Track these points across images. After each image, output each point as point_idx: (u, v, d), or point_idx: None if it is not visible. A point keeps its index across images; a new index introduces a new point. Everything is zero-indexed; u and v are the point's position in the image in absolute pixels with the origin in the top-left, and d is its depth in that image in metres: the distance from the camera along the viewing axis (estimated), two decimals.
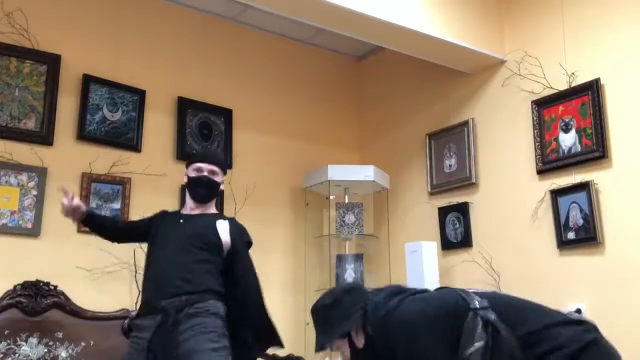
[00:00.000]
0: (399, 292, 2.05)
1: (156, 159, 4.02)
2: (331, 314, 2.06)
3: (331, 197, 4.54)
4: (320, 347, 2.10)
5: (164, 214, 3.08)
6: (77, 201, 2.88)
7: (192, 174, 2.97)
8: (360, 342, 2.02)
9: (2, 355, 3.26)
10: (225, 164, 3.12)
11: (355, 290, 2.12)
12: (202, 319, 2.69)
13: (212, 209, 3.06)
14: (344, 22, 3.73)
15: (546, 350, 1.81)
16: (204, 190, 2.95)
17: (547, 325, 1.86)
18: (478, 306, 1.87)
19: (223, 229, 2.92)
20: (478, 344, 1.80)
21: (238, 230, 3.00)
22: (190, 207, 3.00)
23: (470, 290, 1.99)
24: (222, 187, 3.06)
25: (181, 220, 2.94)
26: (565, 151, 3.65)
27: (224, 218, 3.06)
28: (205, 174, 2.94)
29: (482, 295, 1.95)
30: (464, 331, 1.84)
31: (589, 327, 1.91)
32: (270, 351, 4.08)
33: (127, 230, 3.16)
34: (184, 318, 2.68)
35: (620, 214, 3.38)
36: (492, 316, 1.84)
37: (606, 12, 3.59)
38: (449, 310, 1.89)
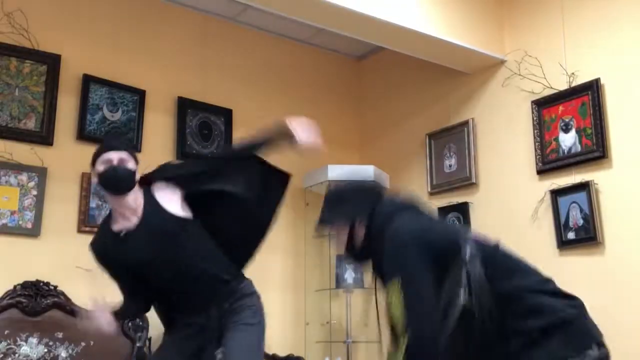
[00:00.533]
0: (408, 208, 2.07)
1: (156, 159, 3.96)
2: (344, 198, 2.17)
3: None
4: (322, 223, 2.20)
5: (99, 250, 2.60)
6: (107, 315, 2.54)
7: (102, 168, 2.49)
8: (360, 235, 2.07)
9: (2, 355, 3.26)
10: (134, 149, 2.74)
11: (373, 190, 2.25)
12: (239, 302, 2.59)
13: (138, 200, 2.53)
14: (344, 22, 3.73)
15: (523, 311, 1.79)
16: (118, 181, 2.48)
17: (534, 289, 1.84)
18: (467, 257, 1.82)
19: (168, 200, 2.55)
20: (461, 300, 1.78)
21: (179, 175, 2.63)
22: (121, 215, 2.52)
23: (474, 235, 1.97)
24: (137, 176, 2.55)
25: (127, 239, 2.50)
26: (565, 151, 3.65)
27: (153, 185, 2.59)
28: (116, 163, 2.48)
29: (480, 244, 1.91)
30: (449, 277, 1.82)
31: (575, 304, 1.88)
32: (270, 351, 4.09)
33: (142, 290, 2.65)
34: (226, 313, 2.58)
35: (620, 214, 3.38)
36: (476, 270, 1.80)
37: (606, 12, 3.59)
38: (440, 247, 1.87)
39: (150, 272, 2.54)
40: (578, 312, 1.86)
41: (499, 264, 1.89)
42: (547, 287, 1.89)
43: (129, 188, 2.50)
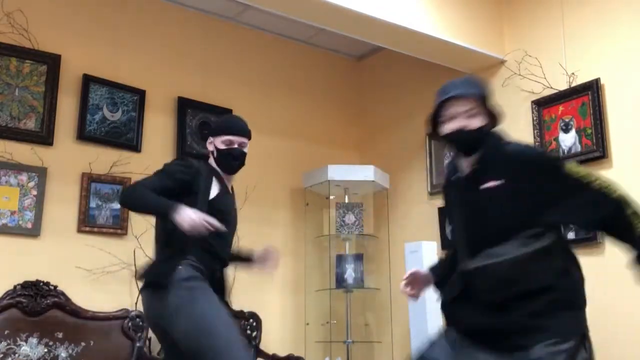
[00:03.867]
0: None
1: (156, 159, 3.99)
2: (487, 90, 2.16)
3: (331, 197, 4.54)
4: (461, 91, 2.11)
5: (206, 174, 2.80)
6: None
7: (222, 147, 2.82)
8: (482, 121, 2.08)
9: (2, 355, 3.26)
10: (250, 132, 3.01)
11: None
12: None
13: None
14: (344, 22, 3.73)
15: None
16: (237, 163, 2.84)
17: None
18: None
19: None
20: None
21: None
22: (226, 180, 2.88)
23: None
24: None
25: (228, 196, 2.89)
26: (565, 151, 3.65)
27: None
28: (236, 146, 2.82)
29: None
30: None
31: None
32: (270, 351, 4.09)
33: None
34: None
35: None
36: None
37: (606, 12, 3.60)
38: None
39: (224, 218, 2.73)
40: None
41: None
42: None
43: (239, 168, 2.90)
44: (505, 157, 2.05)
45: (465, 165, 2.12)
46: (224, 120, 2.99)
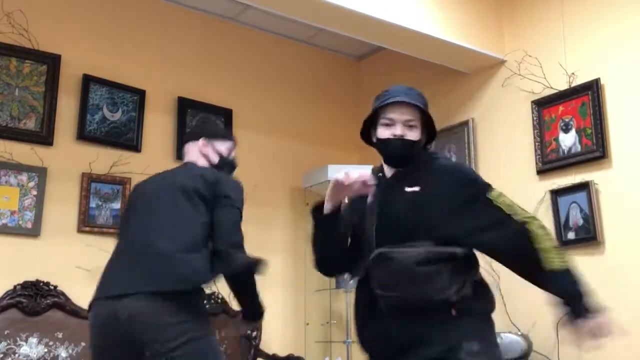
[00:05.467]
0: None
1: (156, 159, 4.02)
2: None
3: None
4: (408, 98, 2.05)
5: None
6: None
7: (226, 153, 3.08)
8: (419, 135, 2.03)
9: (2, 355, 3.26)
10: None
11: None
12: None
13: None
14: (344, 22, 3.73)
15: None
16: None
17: None
18: None
19: None
20: None
21: None
22: None
23: None
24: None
25: None
26: (565, 151, 3.65)
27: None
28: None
29: None
30: None
31: None
32: (271, 351, 4.09)
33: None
34: None
35: (620, 214, 3.38)
36: None
37: (606, 12, 3.60)
38: None
39: None
40: None
41: None
42: None
43: None
44: (431, 168, 2.00)
45: (388, 171, 2.07)
46: (220, 128, 2.96)
